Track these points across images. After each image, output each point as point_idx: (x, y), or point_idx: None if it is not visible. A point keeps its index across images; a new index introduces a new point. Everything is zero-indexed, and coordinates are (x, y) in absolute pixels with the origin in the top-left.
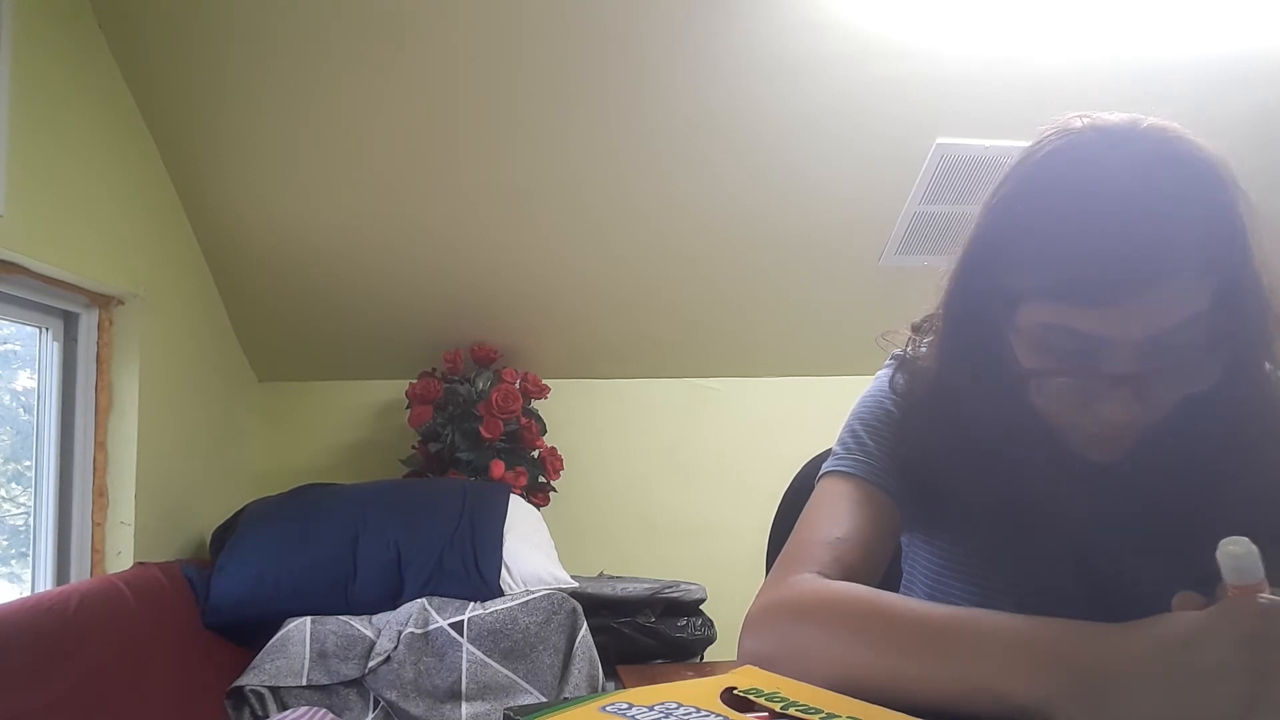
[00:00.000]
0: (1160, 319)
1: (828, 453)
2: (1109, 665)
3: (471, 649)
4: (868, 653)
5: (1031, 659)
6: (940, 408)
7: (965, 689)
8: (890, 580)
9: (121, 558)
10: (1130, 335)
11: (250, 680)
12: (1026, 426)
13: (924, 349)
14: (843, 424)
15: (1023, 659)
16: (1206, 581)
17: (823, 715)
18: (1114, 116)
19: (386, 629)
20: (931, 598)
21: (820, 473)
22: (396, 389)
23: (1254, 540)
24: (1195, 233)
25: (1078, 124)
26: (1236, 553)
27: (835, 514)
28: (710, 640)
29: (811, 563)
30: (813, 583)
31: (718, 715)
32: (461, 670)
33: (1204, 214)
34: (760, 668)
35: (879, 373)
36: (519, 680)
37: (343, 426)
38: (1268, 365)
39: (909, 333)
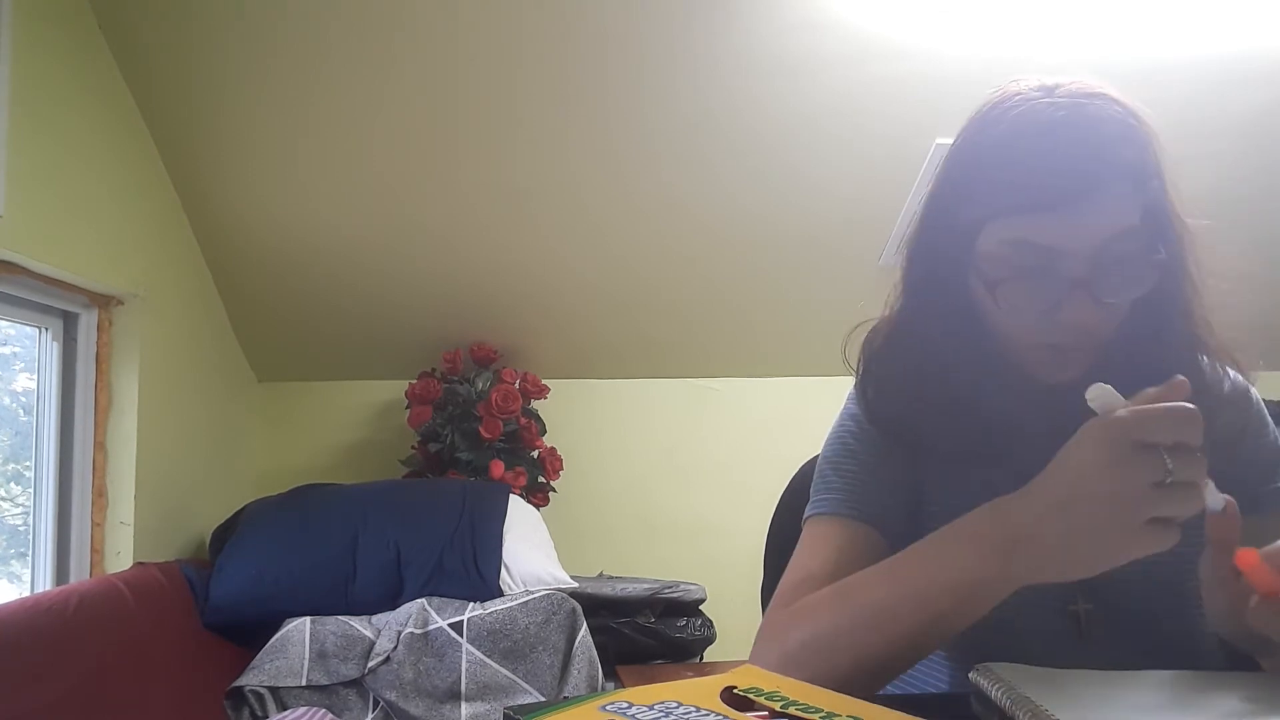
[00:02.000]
0: (1104, 226)
1: None
2: (1019, 525)
3: (471, 649)
4: (867, 604)
5: (967, 547)
6: (902, 349)
7: (936, 594)
8: None
9: (121, 558)
10: (1081, 242)
11: (250, 680)
12: (986, 357)
13: (883, 317)
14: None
15: (962, 550)
16: None
17: (823, 715)
18: (1043, 76)
19: (386, 629)
20: None
21: (803, 519)
22: (396, 389)
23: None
24: (1121, 153)
25: (1014, 85)
26: (1095, 395)
27: (815, 554)
28: (710, 640)
29: (795, 599)
30: (808, 597)
31: (718, 715)
32: (461, 670)
33: (1127, 138)
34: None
35: (841, 410)
36: (519, 680)
37: (343, 426)
38: (1185, 279)
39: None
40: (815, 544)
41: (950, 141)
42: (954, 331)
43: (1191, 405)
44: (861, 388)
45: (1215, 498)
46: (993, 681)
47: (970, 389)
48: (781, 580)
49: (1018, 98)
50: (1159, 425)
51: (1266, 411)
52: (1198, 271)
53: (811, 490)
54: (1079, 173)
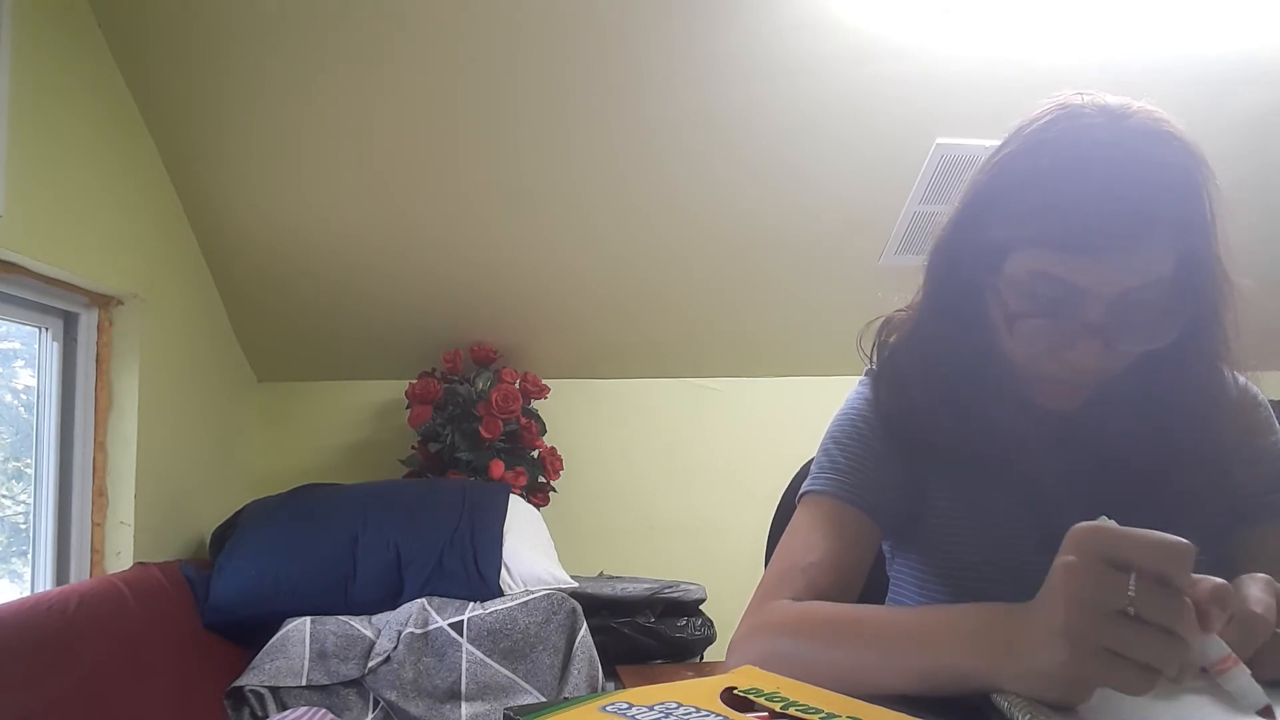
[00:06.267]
0: (1135, 275)
1: None
2: (1022, 633)
3: (471, 649)
4: (843, 656)
5: (972, 638)
6: (915, 350)
7: (927, 671)
8: (875, 588)
9: (121, 558)
10: (1108, 287)
11: (250, 680)
12: (994, 374)
13: (903, 312)
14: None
15: (966, 639)
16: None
17: (823, 715)
18: (1110, 96)
19: (386, 629)
20: (921, 593)
21: (798, 494)
22: (396, 389)
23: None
24: (1173, 202)
25: (1078, 100)
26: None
27: (809, 539)
28: (710, 640)
29: (787, 590)
30: (789, 607)
31: (718, 715)
32: (461, 670)
33: (1182, 188)
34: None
35: (851, 392)
36: (519, 680)
37: (342, 426)
38: (1217, 333)
39: (876, 335)
40: (808, 530)
41: (951, 141)
42: (967, 343)
43: (1187, 542)
44: (875, 381)
45: (1216, 648)
46: (1014, 704)
47: (977, 401)
48: (770, 564)
49: (1081, 120)
50: (1135, 546)
51: (1275, 419)
52: (1231, 322)
53: (813, 465)
54: (1127, 221)
